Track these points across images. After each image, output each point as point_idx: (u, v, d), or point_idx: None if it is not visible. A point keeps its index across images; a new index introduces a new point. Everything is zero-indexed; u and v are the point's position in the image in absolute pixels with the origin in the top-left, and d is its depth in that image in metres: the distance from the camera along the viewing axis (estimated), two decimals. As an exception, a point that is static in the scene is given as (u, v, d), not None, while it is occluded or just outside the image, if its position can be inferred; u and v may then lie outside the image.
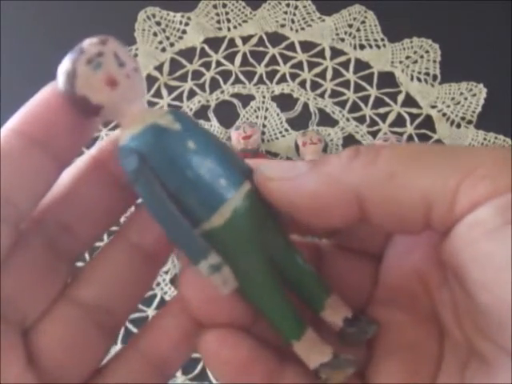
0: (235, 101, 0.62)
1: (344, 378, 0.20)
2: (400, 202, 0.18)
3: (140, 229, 0.22)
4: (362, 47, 0.64)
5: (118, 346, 0.50)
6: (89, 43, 0.19)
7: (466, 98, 0.61)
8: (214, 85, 0.63)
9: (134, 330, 0.51)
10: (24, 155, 0.18)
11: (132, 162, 0.18)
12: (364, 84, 0.62)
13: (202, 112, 0.61)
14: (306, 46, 0.65)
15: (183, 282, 0.20)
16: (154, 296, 0.52)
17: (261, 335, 0.21)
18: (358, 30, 0.65)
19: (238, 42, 0.65)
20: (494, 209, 0.16)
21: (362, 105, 0.61)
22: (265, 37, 0.65)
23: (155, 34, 0.65)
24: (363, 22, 0.65)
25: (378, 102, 0.61)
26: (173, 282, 0.53)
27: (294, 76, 0.63)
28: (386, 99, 0.61)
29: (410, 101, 0.61)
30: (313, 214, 0.19)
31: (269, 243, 0.20)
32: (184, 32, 0.66)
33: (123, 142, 0.19)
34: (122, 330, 0.51)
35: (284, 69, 0.63)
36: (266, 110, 0.61)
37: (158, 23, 0.66)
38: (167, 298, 0.52)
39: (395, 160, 0.18)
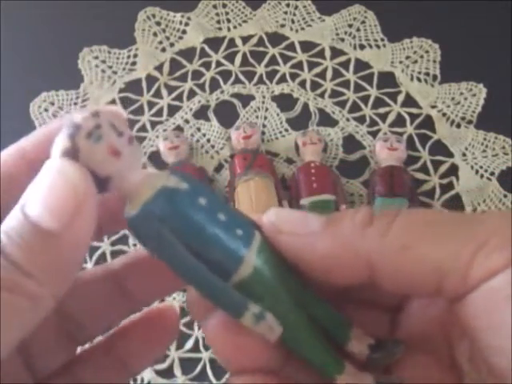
0: (235, 101, 0.62)
1: None
2: (412, 273, 0.18)
3: (136, 279, 0.22)
4: (361, 47, 0.64)
5: (118, 346, 0.50)
6: (82, 117, 0.18)
7: (465, 98, 0.61)
8: (214, 85, 0.63)
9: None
10: None
11: (152, 227, 0.18)
12: (364, 84, 0.62)
13: (201, 112, 0.61)
14: (306, 45, 0.65)
15: (209, 331, 0.20)
16: (154, 296, 0.52)
17: (292, 376, 0.21)
18: (358, 29, 0.65)
19: (238, 42, 0.65)
20: (509, 278, 0.17)
21: (362, 105, 0.61)
22: (265, 37, 0.65)
23: (155, 34, 0.65)
24: (363, 22, 0.65)
25: (378, 102, 0.61)
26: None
27: (293, 76, 0.63)
28: (386, 99, 0.61)
29: (409, 101, 0.61)
30: (323, 272, 0.19)
31: (291, 285, 0.20)
32: (184, 32, 0.66)
33: (136, 211, 0.18)
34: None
35: (284, 69, 0.63)
36: (266, 110, 0.61)
37: (158, 23, 0.66)
38: (167, 297, 0.52)
39: (408, 231, 0.18)
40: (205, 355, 0.50)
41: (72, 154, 0.17)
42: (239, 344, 0.20)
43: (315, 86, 0.62)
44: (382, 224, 0.19)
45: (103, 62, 0.64)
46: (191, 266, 0.18)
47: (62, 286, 0.17)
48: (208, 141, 0.60)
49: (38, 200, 0.16)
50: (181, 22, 0.66)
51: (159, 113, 0.61)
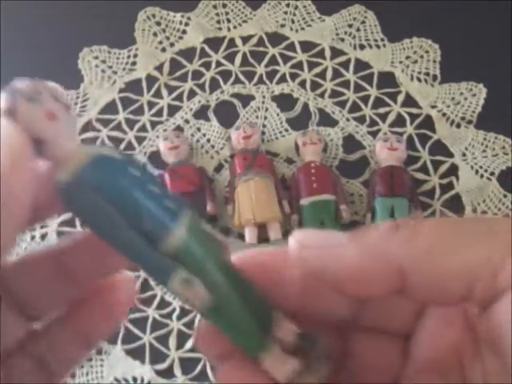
0: (235, 101, 0.62)
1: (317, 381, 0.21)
2: (442, 276, 0.18)
3: (76, 259, 0.22)
4: (361, 47, 0.64)
5: (119, 346, 0.50)
6: (23, 83, 0.18)
7: (465, 98, 0.61)
8: (214, 85, 0.63)
9: (135, 330, 0.51)
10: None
11: (85, 194, 0.18)
12: (364, 84, 0.62)
13: (201, 112, 0.61)
14: (306, 45, 0.65)
15: (223, 375, 0.21)
16: (154, 296, 0.52)
17: None
18: (358, 29, 0.65)
19: (238, 42, 0.65)
20: None
21: (362, 105, 0.61)
22: (265, 37, 0.65)
23: (155, 34, 0.65)
24: (363, 22, 0.65)
25: (378, 102, 0.61)
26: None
27: (293, 76, 0.63)
28: (386, 99, 0.61)
29: (409, 101, 0.61)
30: (353, 284, 0.19)
31: (221, 266, 0.20)
32: (184, 32, 0.66)
33: (69, 177, 0.19)
34: (122, 330, 0.51)
35: (284, 69, 0.63)
36: (266, 110, 0.61)
37: (158, 23, 0.66)
38: (167, 297, 0.52)
39: (436, 235, 0.18)
40: (205, 355, 0.50)
41: (11, 114, 0.18)
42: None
43: (315, 86, 0.62)
44: (408, 229, 0.19)
45: (103, 61, 0.64)
46: (121, 233, 0.19)
47: None
48: (208, 141, 0.60)
49: None
50: (181, 22, 0.66)
51: (159, 113, 0.61)
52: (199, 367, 0.50)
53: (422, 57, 0.63)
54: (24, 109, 0.18)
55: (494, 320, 0.18)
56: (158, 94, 0.62)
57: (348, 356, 0.22)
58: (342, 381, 0.23)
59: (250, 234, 0.53)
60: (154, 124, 0.61)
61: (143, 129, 0.61)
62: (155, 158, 0.58)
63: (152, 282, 0.53)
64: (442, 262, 0.18)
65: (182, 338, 0.51)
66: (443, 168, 0.58)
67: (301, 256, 0.20)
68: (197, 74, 0.63)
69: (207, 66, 0.64)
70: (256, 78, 0.63)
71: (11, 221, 0.17)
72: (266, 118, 0.61)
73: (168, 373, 0.50)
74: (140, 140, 0.60)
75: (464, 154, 0.58)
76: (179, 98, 0.62)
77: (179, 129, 0.60)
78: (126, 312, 0.23)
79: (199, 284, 0.19)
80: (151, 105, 0.62)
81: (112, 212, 0.18)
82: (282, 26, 0.66)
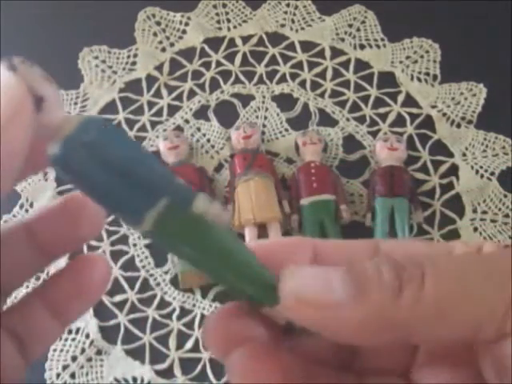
0: (235, 101, 0.62)
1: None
2: (449, 332, 0.18)
3: (46, 231, 0.22)
4: (362, 47, 0.64)
5: (118, 346, 0.50)
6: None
7: (466, 98, 0.61)
8: (214, 85, 0.63)
9: (135, 330, 0.51)
10: None
11: (77, 156, 0.19)
12: (364, 84, 0.62)
13: (201, 112, 0.61)
14: (306, 45, 0.65)
15: (235, 366, 0.20)
16: (154, 296, 0.52)
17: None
18: (358, 29, 0.65)
19: (238, 41, 0.65)
20: None
21: (362, 105, 0.61)
22: (265, 37, 0.65)
23: (155, 34, 0.65)
24: (363, 22, 0.65)
25: (378, 102, 0.61)
26: (173, 282, 0.53)
27: (293, 76, 0.63)
28: (386, 99, 0.61)
29: (409, 101, 0.61)
30: (356, 342, 0.19)
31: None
32: (184, 32, 0.66)
33: (60, 144, 0.19)
34: (122, 330, 0.51)
35: (284, 69, 0.63)
36: (266, 109, 0.61)
37: (158, 23, 0.66)
38: (167, 298, 0.52)
39: (440, 294, 0.18)
40: (205, 355, 0.50)
41: (11, 69, 0.18)
42: (269, 370, 0.20)
43: (315, 85, 0.62)
44: (413, 289, 0.18)
45: (103, 61, 0.64)
46: (114, 187, 0.19)
47: None
48: (208, 141, 0.60)
49: None
50: (181, 22, 0.66)
51: (159, 113, 0.61)
52: (199, 367, 0.50)
53: (422, 57, 0.63)
54: (23, 67, 0.19)
55: (500, 357, 0.19)
56: (157, 94, 0.62)
57: (355, 355, 0.23)
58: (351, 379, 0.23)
59: (249, 234, 0.53)
60: (153, 124, 0.61)
61: (143, 129, 0.61)
62: (155, 157, 0.58)
63: (152, 282, 0.53)
64: (448, 320, 0.18)
65: (181, 338, 0.51)
66: (443, 168, 0.58)
67: (299, 314, 0.19)
68: (197, 74, 0.63)
69: (207, 65, 0.64)
70: (256, 78, 0.63)
71: (6, 168, 0.17)
72: (266, 117, 0.61)
73: (168, 373, 0.50)
74: (140, 140, 0.60)
75: (464, 154, 0.58)
76: (179, 97, 0.62)
77: (179, 129, 0.60)
78: (100, 291, 0.23)
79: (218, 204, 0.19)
80: (151, 105, 0.62)
81: (105, 177, 0.19)
82: (282, 25, 0.66)
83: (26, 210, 0.56)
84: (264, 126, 0.61)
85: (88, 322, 0.51)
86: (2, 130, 0.17)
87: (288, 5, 0.66)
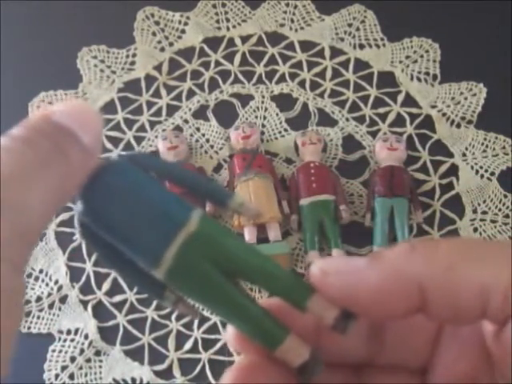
0: (234, 101, 0.62)
1: (320, 372, 0.21)
2: (459, 292, 0.19)
3: None
4: (361, 47, 0.64)
5: (117, 347, 0.50)
6: None
7: (466, 98, 0.61)
8: (213, 85, 0.63)
9: (134, 331, 0.51)
10: None
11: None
12: (364, 84, 0.62)
13: (201, 112, 0.61)
14: (306, 45, 0.64)
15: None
16: (153, 297, 0.52)
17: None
18: (358, 29, 0.65)
19: (237, 41, 0.65)
20: None
21: (362, 105, 0.61)
22: (264, 36, 0.65)
23: (154, 34, 0.65)
24: (363, 22, 0.65)
25: (378, 102, 0.61)
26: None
27: (293, 76, 0.63)
28: (386, 99, 0.61)
29: (409, 101, 0.61)
30: (376, 306, 0.20)
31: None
32: (183, 32, 0.65)
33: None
34: (121, 331, 0.51)
35: (283, 68, 0.63)
36: (266, 109, 0.61)
37: (157, 23, 0.66)
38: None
39: (452, 254, 0.19)
40: (204, 356, 0.50)
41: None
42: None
43: (315, 85, 0.62)
44: (425, 248, 0.19)
45: (102, 61, 0.64)
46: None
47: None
48: (207, 141, 0.60)
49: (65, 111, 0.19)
50: (180, 22, 0.66)
51: (158, 113, 0.61)
52: (198, 368, 0.50)
53: (422, 56, 0.63)
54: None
55: (505, 343, 0.19)
56: (156, 94, 0.62)
57: (384, 338, 0.23)
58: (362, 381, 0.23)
59: (249, 235, 0.53)
60: (152, 124, 0.61)
61: (142, 129, 0.61)
62: (154, 158, 0.58)
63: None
64: (458, 279, 0.19)
65: (181, 339, 0.51)
66: (443, 168, 0.57)
67: (324, 283, 0.20)
68: (196, 74, 0.63)
69: (206, 65, 0.64)
70: (255, 78, 0.63)
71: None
72: (265, 117, 0.61)
73: (167, 373, 0.50)
74: (139, 140, 0.60)
75: (464, 154, 0.58)
76: (178, 97, 0.62)
77: (178, 129, 0.60)
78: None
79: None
80: (150, 104, 0.62)
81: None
82: (282, 25, 0.66)
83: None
84: (263, 126, 0.60)
85: (87, 323, 0.51)
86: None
87: (287, 4, 0.66)
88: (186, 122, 0.61)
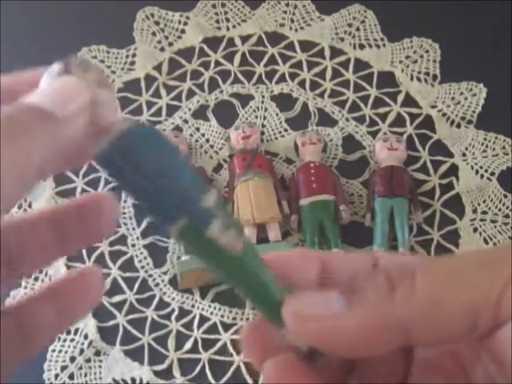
0: (234, 101, 0.62)
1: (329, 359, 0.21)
2: (446, 323, 0.18)
3: (72, 223, 0.23)
4: (361, 47, 0.64)
5: (117, 347, 0.50)
6: (73, 58, 0.20)
7: (466, 98, 0.61)
8: (213, 84, 0.63)
9: (134, 331, 0.51)
10: None
11: (117, 161, 0.20)
12: (364, 84, 0.62)
13: (200, 112, 0.61)
14: (306, 45, 0.64)
15: (270, 373, 0.21)
16: (153, 296, 0.52)
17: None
18: (358, 29, 0.65)
19: (237, 41, 0.65)
20: None
21: (362, 105, 0.61)
22: (264, 36, 0.65)
23: (154, 34, 0.65)
24: (363, 22, 0.65)
25: (378, 102, 0.61)
26: (171, 282, 0.53)
27: (293, 76, 0.63)
28: (386, 99, 0.61)
29: (409, 101, 0.61)
30: (356, 350, 0.19)
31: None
32: (183, 31, 0.65)
33: (107, 145, 0.20)
34: (121, 331, 0.51)
35: (283, 68, 0.63)
36: (266, 109, 0.61)
37: (157, 23, 0.66)
38: (166, 298, 0.52)
39: (432, 285, 0.19)
40: (204, 356, 0.50)
41: (66, 72, 0.20)
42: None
43: (315, 85, 0.62)
44: (405, 286, 0.19)
45: (102, 61, 0.64)
46: (140, 187, 0.20)
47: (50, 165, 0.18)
48: (207, 141, 0.59)
49: (45, 94, 0.19)
50: (180, 22, 0.66)
51: (158, 113, 0.61)
52: (198, 368, 0.50)
53: (421, 56, 0.63)
54: (77, 72, 0.20)
55: (497, 344, 0.19)
56: (156, 94, 0.62)
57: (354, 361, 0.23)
58: None
59: (249, 235, 0.53)
60: (152, 124, 0.61)
61: (142, 129, 0.60)
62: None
63: (151, 283, 0.53)
64: (444, 310, 0.18)
65: (180, 339, 0.51)
66: (443, 168, 0.57)
67: (301, 329, 0.20)
68: (196, 74, 0.63)
69: (206, 65, 0.64)
70: (255, 78, 0.63)
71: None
72: (265, 117, 0.61)
73: (167, 374, 0.50)
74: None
75: (464, 154, 0.58)
76: (178, 97, 0.62)
77: (178, 129, 0.60)
78: (96, 302, 0.25)
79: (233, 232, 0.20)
80: (150, 104, 0.62)
81: (142, 182, 0.19)
82: (282, 25, 0.66)
83: (25, 210, 0.56)
84: (263, 125, 0.60)
85: (87, 323, 0.51)
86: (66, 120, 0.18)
87: (287, 4, 0.66)
88: (186, 122, 0.61)
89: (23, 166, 0.17)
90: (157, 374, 0.49)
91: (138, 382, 0.49)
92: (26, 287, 0.52)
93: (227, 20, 0.66)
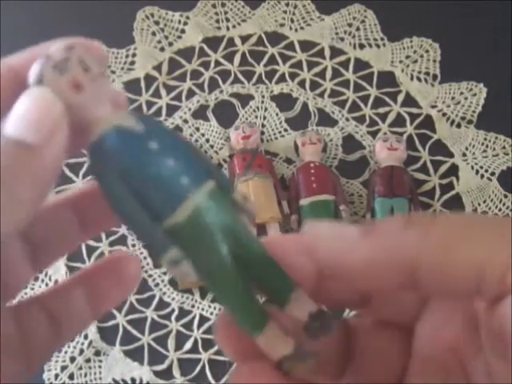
0: (234, 101, 0.62)
1: (306, 370, 0.20)
2: (453, 272, 0.18)
3: (90, 208, 0.23)
4: (361, 46, 0.64)
5: (117, 347, 0.50)
6: (55, 49, 0.20)
7: (466, 98, 0.61)
8: (213, 84, 0.62)
9: (133, 331, 0.51)
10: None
11: (99, 160, 0.20)
12: (364, 84, 0.62)
13: (200, 112, 0.61)
14: (306, 45, 0.64)
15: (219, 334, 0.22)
16: (153, 297, 0.52)
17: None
18: (358, 29, 0.65)
19: (237, 41, 0.65)
20: None
21: (362, 105, 0.61)
22: (264, 36, 0.65)
23: (154, 34, 0.65)
24: (363, 22, 0.65)
25: (378, 102, 0.61)
26: (171, 282, 0.53)
27: (293, 76, 0.63)
28: (386, 99, 0.61)
29: (409, 100, 0.61)
30: (364, 278, 0.20)
31: (235, 238, 0.21)
32: (183, 31, 0.65)
33: (92, 139, 0.20)
34: (121, 331, 0.51)
35: (283, 68, 0.63)
36: (266, 109, 0.61)
37: (157, 22, 0.66)
38: (166, 298, 0.52)
39: (449, 231, 0.19)
40: (204, 356, 0.50)
41: (39, 82, 0.19)
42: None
43: (315, 85, 0.62)
44: (422, 224, 0.19)
45: (102, 61, 0.64)
46: (126, 204, 0.20)
47: (39, 197, 0.19)
48: (207, 141, 0.59)
49: (16, 120, 0.18)
50: (179, 22, 0.66)
51: (158, 112, 0.61)
52: (198, 368, 0.50)
53: (422, 56, 0.63)
54: (50, 77, 0.19)
55: (498, 317, 0.18)
56: (156, 94, 0.62)
57: (352, 354, 0.23)
58: (345, 381, 0.23)
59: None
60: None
61: (142, 129, 0.60)
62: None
63: (150, 283, 0.53)
64: (453, 258, 0.18)
65: (180, 339, 0.51)
66: (443, 168, 0.57)
67: (315, 247, 0.20)
68: (196, 74, 0.63)
69: (206, 65, 0.63)
70: (255, 78, 0.63)
71: (50, 177, 0.19)
72: (265, 117, 0.61)
73: (167, 374, 0.50)
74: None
75: (464, 154, 0.58)
76: (178, 97, 0.62)
77: (178, 129, 0.60)
78: (134, 285, 0.25)
79: (187, 266, 0.20)
80: (150, 104, 0.62)
81: (116, 182, 0.20)
82: (282, 25, 0.66)
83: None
84: (263, 125, 0.60)
85: (86, 323, 0.51)
86: (45, 140, 0.18)
87: (287, 4, 0.66)
88: (186, 121, 0.61)
89: (17, 212, 0.18)
90: (157, 374, 0.50)
91: (137, 382, 0.49)
92: (25, 287, 0.52)
93: (227, 20, 0.66)
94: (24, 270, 0.23)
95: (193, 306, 0.52)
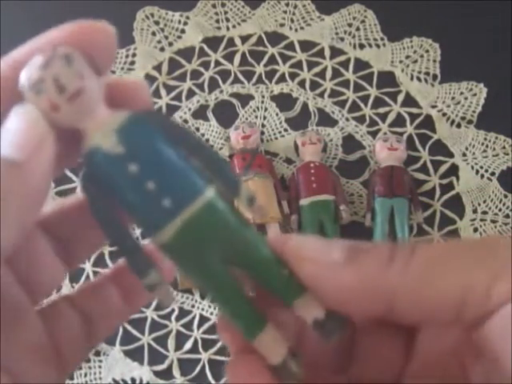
0: (234, 100, 0.62)
1: (293, 380, 0.21)
2: (433, 305, 0.19)
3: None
4: (361, 46, 0.64)
5: (117, 347, 0.50)
6: (31, 68, 0.19)
7: (466, 98, 0.61)
8: (213, 84, 0.62)
9: (133, 331, 0.51)
10: None
11: (80, 177, 0.20)
12: (364, 84, 0.62)
13: (200, 112, 0.61)
14: (306, 45, 0.64)
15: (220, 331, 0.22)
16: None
17: None
18: (358, 29, 0.65)
19: (237, 41, 0.65)
20: None
21: (362, 105, 0.61)
22: (264, 36, 0.65)
23: (154, 34, 0.65)
24: (363, 22, 0.65)
25: (378, 102, 0.61)
26: (171, 282, 0.53)
27: (293, 76, 0.63)
28: (386, 99, 0.61)
29: (409, 100, 0.61)
30: (341, 303, 0.20)
31: (238, 245, 0.21)
32: (183, 31, 0.65)
33: (82, 151, 0.20)
34: (121, 331, 0.51)
35: (283, 68, 0.63)
36: (266, 109, 0.61)
37: (157, 22, 0.66)
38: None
39: (427, 267, 0.19)
40: (204, 356, 0.50)
41: (23, 99, 0.19)
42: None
43: (315, 85, 0.62)
44: (402, 259, 0.19)
45: (102, 61, 0.64)
46: (110, 225, 0.20)
47: (27, 216, 0.19)
48: (207, 141, 0.59)
49: (1, 139, 0.18)
50: (179, 22, 0.66)
51: (158, 112, 0.61)
52: (198, 368, 0.50)
53: (422, 56, 0.63)
54: (30, 97, 0.19)
55: (485, 339, 0.19)
56: (156, 94, 0.62)
57: (352, 354, 0.23)
58: (345, 381, 0.23)
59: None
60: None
61: (142, 129, 0.60)
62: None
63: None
64: (433, 293, 0.19)
65: (180, 339, 0.51)
66: (443, 168, 0.57)
67: (298, 266, 0.20)
68: (195, 74, 0.63)
69: (206, 65, 0.63)
70: (255, 78, 0.63)
71: (38, 194, 0.19)
72: (265, 117, 0.61)
73: (167, 374, 0.50)
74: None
75: (464, 154, 0.58)
76: (178, 97, 0.62)
77: (178, 129, 0.60)
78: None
79: (166, 289, 0.20)
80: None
81: (100, 202, 0.20)
82: (282, 25, 0.66)
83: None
84: (263, 125, 0.60)
85: (86, 323, 0.51)
86: (30, 156, 0.18)
87: (287, 4, 0.66)
88: (186, 121, 0.61)
89: (5, 231, 0.18)
90: (157, 374, 0.49)
91: (137, 382, 0.49)
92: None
93: (227, 20, 0.66)
94: (55, 267, 0.23)
95: (193, 306, 0.52)
